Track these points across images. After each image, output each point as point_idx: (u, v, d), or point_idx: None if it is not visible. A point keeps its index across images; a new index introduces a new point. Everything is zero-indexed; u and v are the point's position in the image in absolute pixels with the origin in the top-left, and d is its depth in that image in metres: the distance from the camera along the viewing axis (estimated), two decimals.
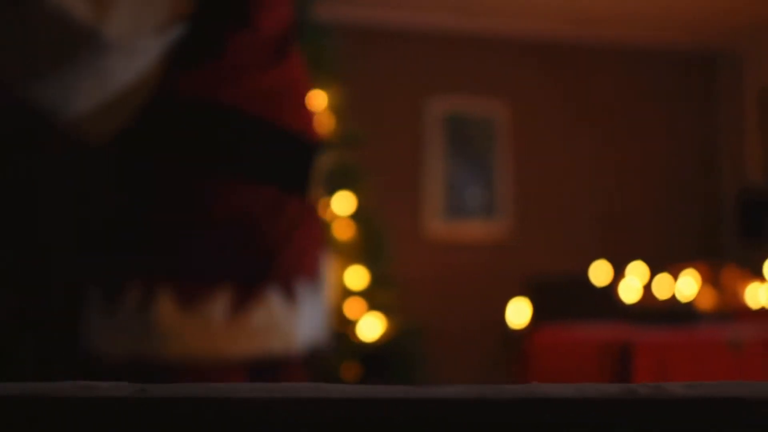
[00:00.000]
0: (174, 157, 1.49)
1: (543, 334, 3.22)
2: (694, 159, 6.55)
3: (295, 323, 1.52)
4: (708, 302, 4.49)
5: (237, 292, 1.45)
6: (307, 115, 1.65)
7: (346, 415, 0.55)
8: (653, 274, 4.66)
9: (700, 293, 4.57)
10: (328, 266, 1.76)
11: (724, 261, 5.23)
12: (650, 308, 3.91)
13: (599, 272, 4.76)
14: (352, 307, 3.30)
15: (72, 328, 1.60)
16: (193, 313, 1.44)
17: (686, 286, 4.55)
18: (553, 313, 4.29)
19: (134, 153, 1.54)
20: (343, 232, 3.38)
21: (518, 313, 4.60)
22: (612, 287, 4.52)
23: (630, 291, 4.41)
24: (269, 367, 1.50)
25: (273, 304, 1.49)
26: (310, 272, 1.57)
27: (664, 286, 4.52)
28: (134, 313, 1.44)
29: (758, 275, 4.58)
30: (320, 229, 1.72)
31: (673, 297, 4.23)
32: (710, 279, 4.66)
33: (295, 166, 1.56)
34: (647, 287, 4.51)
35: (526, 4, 5.80)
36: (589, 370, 2.74)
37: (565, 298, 4.60)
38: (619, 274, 4.62)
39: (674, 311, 3.22)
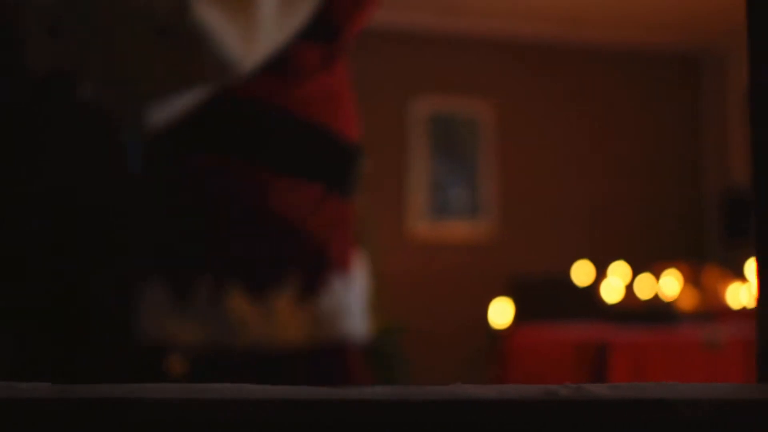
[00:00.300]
0: (235, 157, 1.55)
1: (522, 334, 3.22)
2: (678, 159, 6.56)
3: (354, 310, 1.59)
4: (689, 302, 4.49)
5: (302, 281, 1.52)
6: (352, 119, 1.71)
7: (264, 416, 0.55)
8: (636, 274, 4.67)
9: (681, 293, 4.58)
10: (361, 265, 1.83)
11: (707, 261, 5.25)
12: (630, 308, 3.91)
13: (582, 272, 4.76)
14: None
15: (119, 321, 1.61)
16: (262, 303, 1.51)
17: (668, 286, 4.56)
18: (535, 313, 4.29)
19: (195, 150, 1.58)
20: None
21: (500, 313, 4.60)
22: (594, 287, 4.52)
23: (612, 291, 4.42)
24: (334, 353, 1.56)
25: (336, 290, 1.56)
26: (349, 268, 1.64)
27: (646, 286, 4.53)
28: (207, 307, 1.50)
29: (741, 275, 4.59)
30: (354, 229, 1.79)
31: (655, 297, 4.24)
32: (692, 279, 4.67)
33: (339, 168, 1.64)
34: (629, 287, 4.51)
35: (510, 4, 5.81)
36: (565, 370, 2.74)
37: (548, 298, 4.61)
38: (601, 274, 4.63)
39: (654, 311, 3.22)
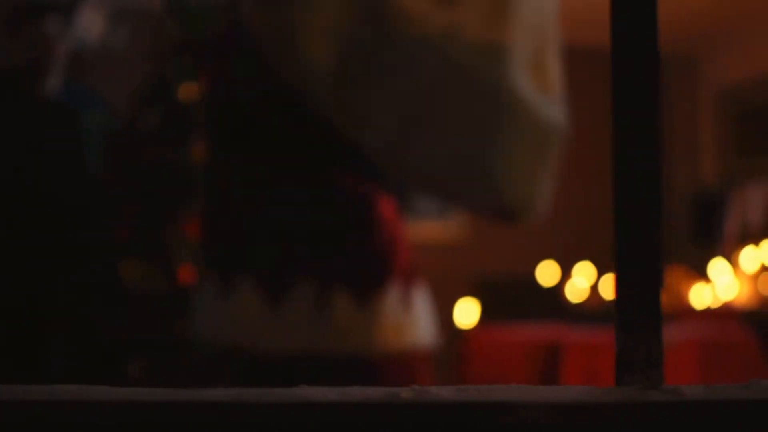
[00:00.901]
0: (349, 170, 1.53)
1: (483, 334, 3.22)
2: None
3: (426, 319, 1.64)
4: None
5: (401, 289, 1.50)
6: None
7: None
8: (602, 274, 4.68)
9: None
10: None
11: (675, 262, 5.26)
12: (590, 309, 3.92)
13: (547, 273, 4.77)
14: None
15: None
16: (368, 309, 1.49)
17: None
18: (501, 313, 4.29)
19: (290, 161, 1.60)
20: None
21: (466, 313, 4.60)
22: (559, 287, 4.53)
23: (576, 291, 4.43)
24: (418, 360, 1.58)
25: (419, 299, 1.61)
26: (419, 279, 1.68)
27: (611, 287, 4.54)
28: (308, 310, 1.49)
29: (707, 276, 4.61)
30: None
31: (597, 298, 4.25)
32: None
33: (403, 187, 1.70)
34: (594, 287, 4.53)
35: None
36: (521, 370, 2.75)
37: (513, 299, 4.61)
38: (566, 274, 4.64)
39: (612, 312, 3.22)
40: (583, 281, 4.55)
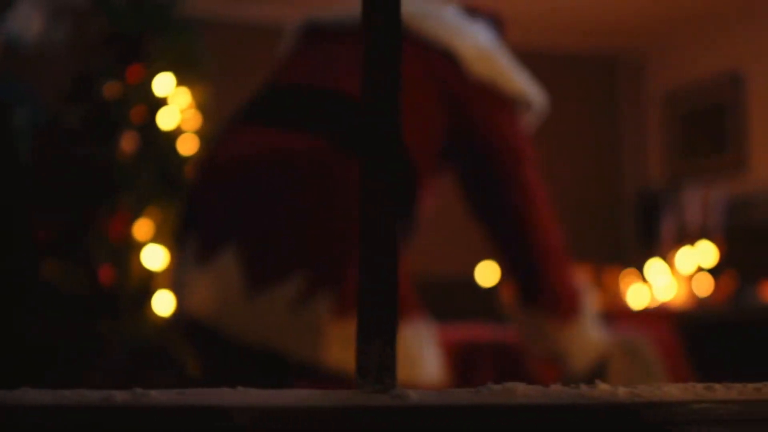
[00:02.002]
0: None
1: None
2: (595, 162, 6.62)
3: (424, 358, 1.58)
4: (593, 303, 4.53)
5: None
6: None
7: None
8: None
9: None
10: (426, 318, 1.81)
11: (618, 262, 5.29)
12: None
13: (485, 273, 4.78)
14: None
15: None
16: (348, 323, 1.42)
17: None
18: (438, 314, 4.28)
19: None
20: None
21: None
22: (498, 288, 4.53)
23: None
24: None
25: (408, 333, 1.54)
26: (416, 316, 1.66)
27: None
28: (286, 307, 1.42)
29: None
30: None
31: None
32: (594, 280, 4.71)
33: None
34: None
35: None
36: (465, 369, 2.73)
37: (451, 299, 4.61)
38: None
39: None
40: None
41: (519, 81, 1.72)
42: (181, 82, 3.21)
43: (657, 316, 4.05)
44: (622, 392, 0.57)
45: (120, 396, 0.54)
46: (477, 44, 1.71)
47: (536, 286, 1.67)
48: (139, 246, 2.98)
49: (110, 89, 3.15)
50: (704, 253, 4.56)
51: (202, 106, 3.30)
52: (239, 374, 1.47)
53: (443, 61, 1.66)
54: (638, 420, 0.56)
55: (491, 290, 4.49)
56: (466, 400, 0.56)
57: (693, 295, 4.38)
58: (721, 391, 0.58)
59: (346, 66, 1.62)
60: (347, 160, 1.51)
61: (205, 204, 1.62)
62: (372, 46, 0.59)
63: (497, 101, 1.70)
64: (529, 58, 6.40)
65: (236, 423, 0.53)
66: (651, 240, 5.28)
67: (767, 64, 5.57)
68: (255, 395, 0.56)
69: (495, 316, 3.76)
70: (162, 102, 3.17)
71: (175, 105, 3.18)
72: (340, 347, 1.44)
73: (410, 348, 1.53)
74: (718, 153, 5.91)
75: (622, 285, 4.62)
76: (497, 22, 1.85)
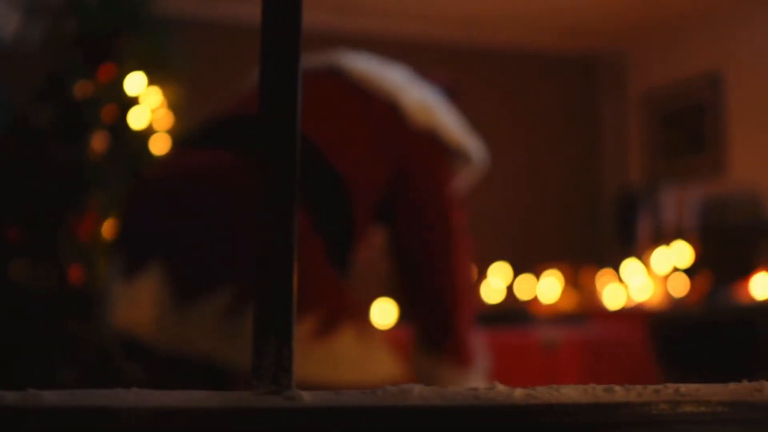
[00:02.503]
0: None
1: (393, 335, 3.20)
2: (575, 162, 6.63)
3: (366, 363, 1.55)
4: (569, 303, 4.54)
5: (320, 320, 1.46)
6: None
7: None
8: (518, 274, 4.71)
9: (563, 294, 4.63)
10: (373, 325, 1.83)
11: (597, 263, 5.30)
12: (489, 310, 3.94)
13: None
14: None
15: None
16: None
17: (548, 287, 4.60)
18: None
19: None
20: None
21: (383, 313, 4.59)
22: (475, 288, 4.54)
23: (491, 292, 4.44)
24: None
25: (348, 338, 1.53)
26: (360, 320, 1.63)
27: (527, 287, 4.57)
28: (218, 318, 1.43)
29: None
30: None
31: (509, 298, 4.27)
32: (571, 280, 4.72)
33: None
34: (510, 288, 4.55)
35: (408, 6, 5.81)
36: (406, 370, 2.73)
37: None
38: (483, 274, 4.65)
39: (507, 313, 3.24)
40: (500, 282, 4.57)
41: (459, 134, 1.78)
42: (152, 81, 3.20)
43: (629, 316, 4.06)
44: (518, 394, 0.57)
45: (10, 396, 0.54)
46: (419, 97, 1.77)
47: (443, 334, 1.71)
48: (108, 246, 2.97)
49: (81, 88, 3.14)
50: (680, 254, 4.57)
51: (173, 105, 3.30)
52: (178, 386, 1.48)
53: (386, 109, 1.72)
54: (534, 422, 0.56)
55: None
56: (360, 401, 0.55)
57: (668, 296, 4.39)
58: (620, 393, 0.58)
59: None
60: None
61: (132, 221, 1.66)
62: (269, 57, 0.58)
63: (435, 151, 1.76)
64: (510, 58, 6.45)
65: (125, 424, 0.53)
66: (629, 240, 5.29)
67: (746, 65, 5.59)
68: (148, 396, 0.55)
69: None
70: (133, 101, 3.16)
71: (147, 104, 3.17)
72: None
73: (354, 351, 1.54)
74: (696, 153, 5.93)
75: (598, 285, 4.63)
76: (451, 92, 1.93)
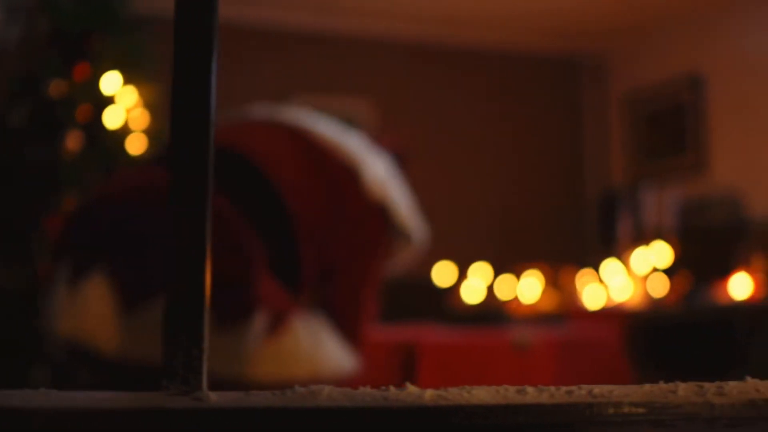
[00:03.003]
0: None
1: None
2: (558, 163, 6.64)
3: (319, 350, 1.59)
4: (549, 303, 4.55)
5: (271, 318, 1.50)
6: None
7: None
8: (498, 274, 4.71)
9: (543, 294, 4.63)
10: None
11: (577, 263, 5.30)
12: (465, 310, 3.94)
13: (442, 273, 4.77)
14: None
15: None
16: (231, 336, 1.42)
17: (528, 287, 4.61)
18: (395, 314, 4.28)
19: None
20: None
21: None
22: (455, 288, 4.54)
23: (471, 292, 4.45)
24: None
25: (299, 331, 1.52)
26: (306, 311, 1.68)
27: (507, 288, 4.58)
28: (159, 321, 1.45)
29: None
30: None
31: (488, 299, 4.28)
32: (551, 280, 4.73)
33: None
34: (490, 288, 4.55)
35: (388, 4, 5.81)
36: (383, 371, 2.74)
37: (407, 299, 4.60)
38: (462, 275, 4.65)
39: (484, 314, 3.24)
40: (480, 282, 4.58)
41: (406, 215, 1.92)
42: (127, 80, 3.18)
43: (608, 316, 4.07)
44: (429, 395, 0.56)
45: None
46: (377, 171, 1.90)
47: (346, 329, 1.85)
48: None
49: (56, 88, 3.12)
50: (659, 254, 4.58)
51: (149, 104, 3.28)
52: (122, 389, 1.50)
53: (345, 174, 1.85)
54: (444, 423, 0.56)
55: (447, 291, 4.49)
56: (268, 402, 0.55)
57: (647, 296, 4.40)
58: (532, 394, 0.58)
59: (243, 132, 1.86)
60: (232, 206, 1.63)
61: (77, 231, 1.69)
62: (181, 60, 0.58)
63: (381, 226, 1.90)
64: (493, 59, 6.45)
65: (32, 425, 0.53)
66: (610, 240, 5.30)
67: (727, 67, 5.61)
68: (56, 397, 0.55)
69: (447, 317, 3.77)
70: (108, 101, 3.15)
71: (122, 104, 3.16)
72: (224, 356, 1.47)
73: (304, 347, 1.56)
74: (677, 154, 5.95)
75: (578, 285, 4.64)
76: (401, 157, 2.05)
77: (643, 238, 4.85)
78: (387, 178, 1.92)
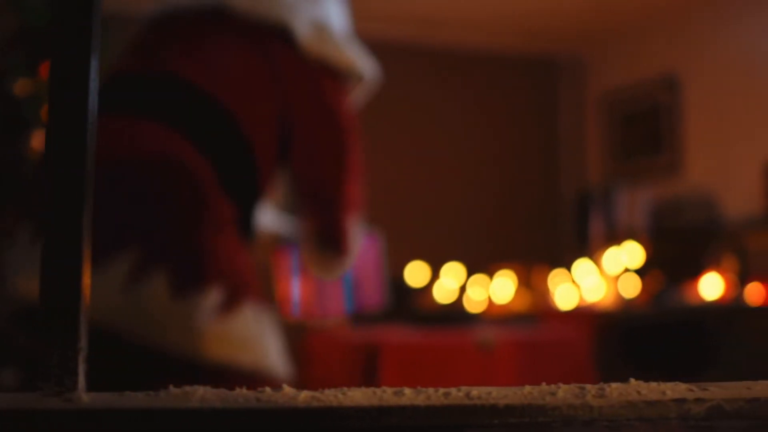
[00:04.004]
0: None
1: (319, 336, 3.20)
2: (535, 163, 6.66)
3: (265, 344, 1.55)
4: (522, 303, 4.55)
5: (224, 296, 1.46)
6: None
7: None
8: (471, 274, 4.72)
9: (516, 294, 4.64)
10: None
11: (556, 263, 5.32)
12: (433, 311, 3.95)
13: (415, 273, 4.78)
14: None
15: None
16: (183, 304, 1.42)
17: (501, 287, 4.62)
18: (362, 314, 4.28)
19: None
20: None
21: None
22: (428, 288, 4.54)
23: (443, 292, 4.45)
24: (238, 382, 1.49)
25: (249, 318, 1.52)
26: (259, 302, 1.63)
27: (480, 288, 4.58)
28: (123, 285, 1.41)
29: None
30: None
31: (458, 299, 4.28)
32: (524, 280, 4.73)
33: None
34: (463, 288, 4.56)
35: (368, 4, 5.81)
36: (345, 372, 2.74)
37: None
38: (435, 275, 4.65)
39: (453, 314, 3.24)
40: (452, 282, 4.58)
41: (350, 55, 1.81)
42: None
43: (579, 316, 4.08)
44: (302, 397, 0.56)
45: None
46: (310, 18, 1.78)
47: (332, 235, 1.82)
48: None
49: (21, 86, 3.11)
50: (631, 254, 4.60)
51: None
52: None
53: (276, 41, 1.72)
54: (315, 425, 0.56)
55: (419, 291, 4.49)
56: (140, 403, 0.55)
57: (619, 296, 4.42)
58: (408, 396, 0.58)
59: (180, 49, 1.72)
60: (182, 140, 1.56)
61: (38, 193, 1.65)
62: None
63: (326, 77, 1.78)
64: (469, 60, 6.45)
65: None
66: (584, 241, 5.32)
67: (702, 68, 5.63)
68: None
69: (415, 317, 3.77)
70: None
71: None
72: (174, 328, 1.45)
73: (251, 331, 1.54)
74: (653, 155, 5.97)
75: (551, 285, 4.65)
76: None
77: (615, 238, 4.87)
78: (323, 23, 1.82)
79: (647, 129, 6.05)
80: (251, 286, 1.57)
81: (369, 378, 2.57)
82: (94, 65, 0.59)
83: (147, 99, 1.64)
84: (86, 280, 0.58)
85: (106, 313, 1.44)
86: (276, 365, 1.56)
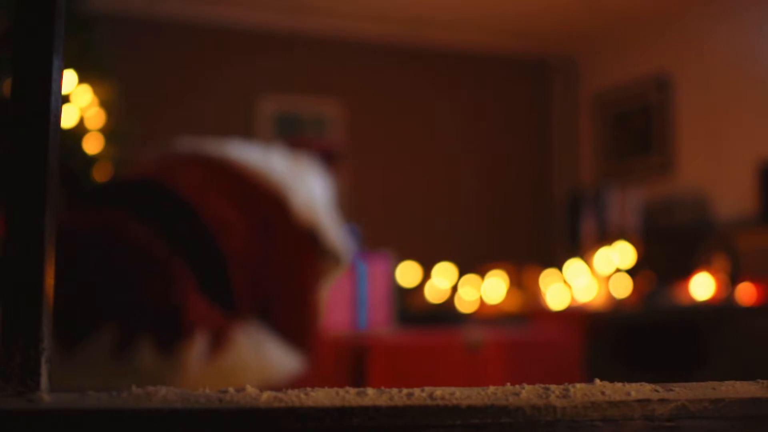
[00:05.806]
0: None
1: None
2: (527, 163, 6.66)
3: (265, 359, 1.62)
4: (513, 303, 4.55)
5: (210, 336, 1.49)
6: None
7: None
8: (462, 274, 4.72)
9: (507, 294, 4.64)
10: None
11: (547, 263, 5.32)
12: (422, 310, 3.94)
13: (406, 274, 4.78)
14: None
15: None
16: (172, 358, 1.48)
17: (493, 287, 4.62)
18: None
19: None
20: None
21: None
22: (419, 288, 4.54)
23: (434, 292, 4.45)
24: None
25: (242, 344, 1.59)
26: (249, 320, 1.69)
27: (472, 288, 4.58)
28: (107, 355, 1.48)
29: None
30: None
31: (448, 299, 4.28)
32: (515, 280, 4.74)
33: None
34: (455, 288, 4.56)
35: (356, 5, 5.81)
36: (332, 373, 2.74)
37: None
38: (427, 275, 4.65)
39: (441, 314, 3.24)
40: (444, 282, 4.58)
41: (333, 238, 1.98)
42: (83, 79, 3.17)
43: (570, 316, 4.08)
44: (265, 397, 0.56)
45: None
46: (305, 196, 1.94)
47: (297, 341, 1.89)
48: None
49: (8, 86, 3.10)
50: (622, 254, 4.60)
51: (105, 103, 3.27)
52: None
53: (272, 204, 1.89)
54: (277, 426, 0.56)
55: (410, 291, 4.49)
56: (102, 404, 0.55)
57: (610, 296, 4.42)
58: (371, 396, 0.58)
59: (170, 166, 1.89)
60: (139, 225, 1.66)
61: None
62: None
63: (310, 249, 1.95)
64: (463, 60, 6.46)
65: None
66: (576, 241, 5.32)
67: (693, 68, 5.64)
68: None
69: (404, 317, 3.77)
70: (63, 100, 3.12)
71: (77, 103, 3.14)
72: (169, 381, 1.50)
73: (249, 357, 1.58)
74: (644, 155, 5.98)
75: (542, 285, 4.65)
76: (331, 156, 2.10)
77: (606, 238, 4.87)
78: (314, 202, 1.96)
79: (639, 129, 6.06)
80: (235, 321, 1.62)
81: (357, 378, 2.57)
82: (56, 65, 0.59)
83: (126, 196, 1.80)
84: (49, 280, 0.58)
85: (99, 379, 1.49)
86: (283, 369, 1.60)
